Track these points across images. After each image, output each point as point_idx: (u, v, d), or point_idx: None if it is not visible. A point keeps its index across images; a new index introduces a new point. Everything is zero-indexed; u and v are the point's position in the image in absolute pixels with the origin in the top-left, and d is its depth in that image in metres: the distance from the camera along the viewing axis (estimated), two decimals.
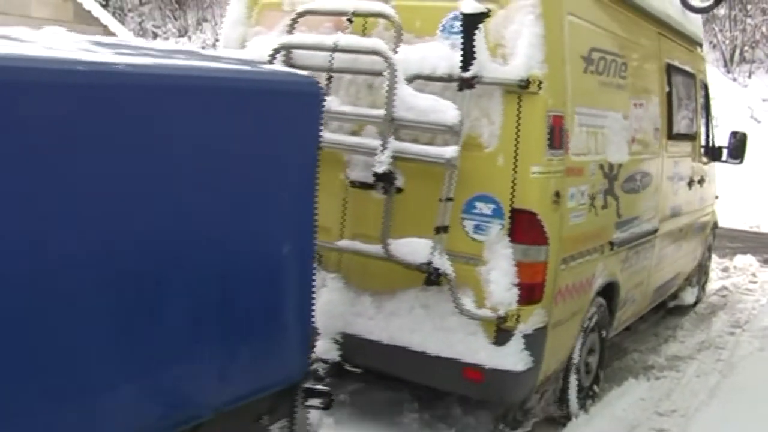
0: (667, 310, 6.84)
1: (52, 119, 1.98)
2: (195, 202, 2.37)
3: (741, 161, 6.80)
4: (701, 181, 6.44)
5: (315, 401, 3.02)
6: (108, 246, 2.13)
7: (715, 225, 7.48)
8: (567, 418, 4.32)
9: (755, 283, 8.43)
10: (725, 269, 8.88)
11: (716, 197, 7.28)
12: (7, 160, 1.87)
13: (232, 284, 2.55)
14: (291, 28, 3.87)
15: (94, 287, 2.12)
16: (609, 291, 4.56)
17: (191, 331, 2.45)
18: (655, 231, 5.25)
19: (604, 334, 4.63)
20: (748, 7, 18.75)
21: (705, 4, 5.83)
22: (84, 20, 15.63)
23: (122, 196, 2.16)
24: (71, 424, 2.12)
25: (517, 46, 3.55)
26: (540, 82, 3.52)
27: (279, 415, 2.92)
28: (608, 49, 4.28)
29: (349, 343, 3.89)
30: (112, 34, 15.95)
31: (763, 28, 18.53)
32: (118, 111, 2.13)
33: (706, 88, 6.66)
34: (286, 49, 3.78)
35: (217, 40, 23.78)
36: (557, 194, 3.68)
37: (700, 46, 6.58)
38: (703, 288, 7.44)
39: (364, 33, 3.86)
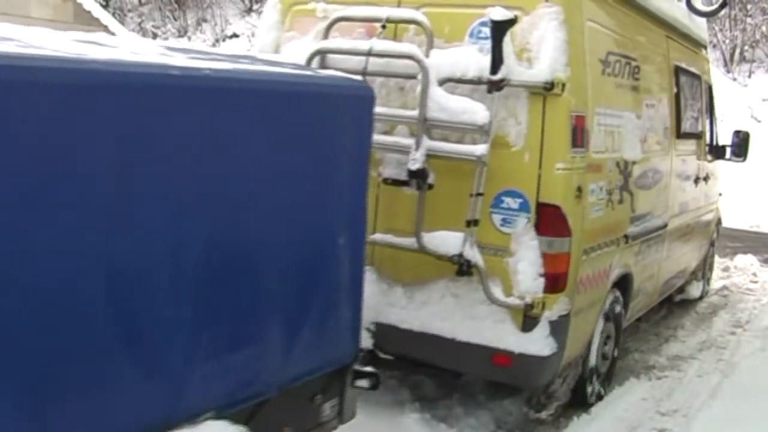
0: (669, 309, 7.02)
1: (153, 119, 2.23)
2: (273, 198, 2.63)
3: (744, 159, 7.08)
4: (706, 179, 6.72)
5: (363, 382, 3.28)
6: (201, 239, 2.40)
7: (719, 221, 7.78)
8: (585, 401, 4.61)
9: (756, 282, 8.51)
10: (726, 269, 8.94)
11: (720, 194, 7.57)
12: (126, 157, 2.14)
13: (299, 273, 2.81)
14: (326, 34, 4.13)
15: (193, 276, 2.38)
16: (623, 282, 4.83)
17: (265, 315, 2.70)
18: (665, 226, 5.53)
19: (619, 323, 4.90)
20: (748, 6, 18.84)
21: (710, 9, 6.11)
22: (84, 21, 15.80)
23: (208, 193, 2.42)
24: (169, 392, 2.38)
25: (541, 50, 3.81)
26: (563, 85, 3.78)
27: (331, 394, 3.19)
28: (623, 52, 4.55)
29: (382, 331, 4.12)
30: (112, 34, 16.16)
31: (763, 28, 18.62)
32: (206, 112, 2.39)
33: (710, 88, 6.95)
34: (323, 53, 4.03)
35: (217, 40, 23.99)
36: (579, 189, 3.95)
37: (705, 48, 6.87)
38: (707, 282, 7.73)
39: (395, 38, 4.12)
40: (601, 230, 4.31)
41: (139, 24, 23.81)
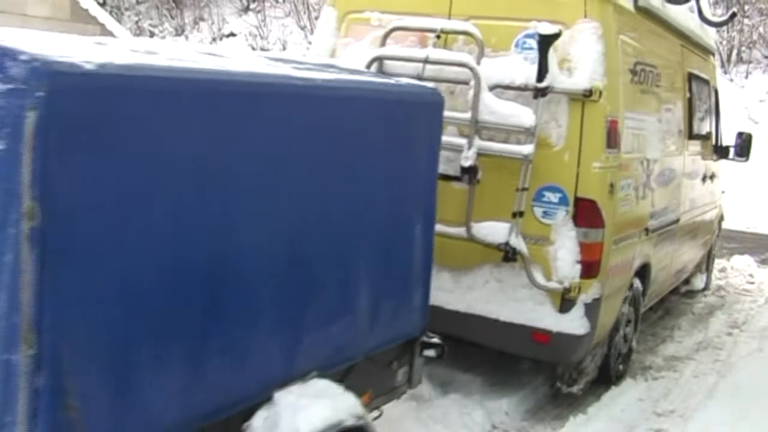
0: (666, 310, 7.21)
1: (285, 121, 2.69)
2: (368, 191, 3.09)
3: (747, 159, 7.63)
4: (712, 177, 7.27)
5: (430, 351, 3.75)
6: (317, 224, 2.86)
7: (722, 217, 8.34)
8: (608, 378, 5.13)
9: (752, 283, 8.67)
10: (723, 270, 9.04)
11: (723, 192, 8.12)
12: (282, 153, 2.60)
13: (387, 255, 3.28)
14: (383, 42, 4.59)
15: (310, 259, 2.85)
16: (643, 271, 5.35)
17: (357, 292, 3.16)
18: (678, 221, 6.05)
19: (638, 308, 5.42)
20: (746, 7, 18.95)
21: (720, 19, 6.65)
22: (81, 19, 16.01)
23: (322, 185, 2.87)
24: (288, 354, 2.86)
25: (581, 61, 4.31)
26: (601, 92, 4.28)
27: (403, 362, 3.66)
28: (647, 62, 5.07)
29: (431, 312, 4.59)
30: (109, 32, 16.41)
31: (761, 29, 18.76)
32: (320, 115, 2.84)
33: (716, 92, 7.50)
34: (381, 59, 4.50)
35: (213, 39, 24.36)
36: (612, 186, 4.46)
37: (713, 54, 7.42)
38: (710, 275, 8.28)
39: (444, 47, 4.60)
40: (628, 223, 4.82)
41: (136, 22, 24.16)
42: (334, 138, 2.94)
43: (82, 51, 2.20)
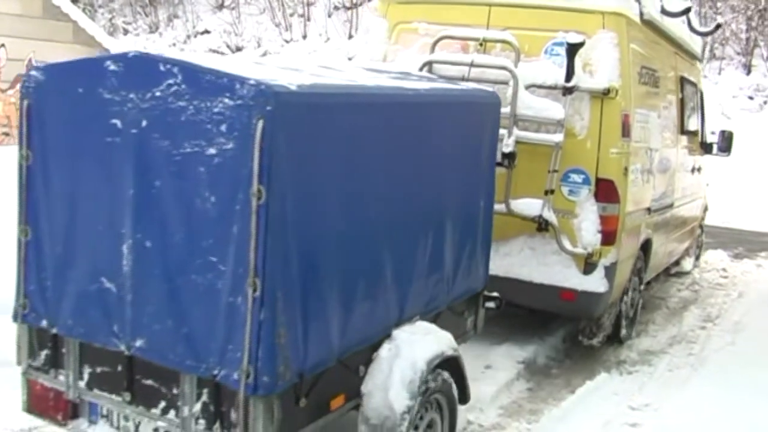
0: (640, 304, 7.86)
1: (409, 122, 3.77)
2: (453, 175, 4.18)
3: (729, 154, 8.98)
4: (699, 170, 8.57)
5: (491, 303, 4.87)
6: (423, 202, 3.95)
7: (706, 207, 9.67)
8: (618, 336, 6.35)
9: (726, 278, 9.31)
10: (696, 264, 9.57)
11: (707, 184, 9.45)
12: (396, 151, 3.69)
13: (463, 226, 4.37)
14: (433, 48, 5.75)
15: (417, 229, 3.91)
16: (646, 246, 6.58)
17: (444, 254, 4.20)
18: (672, 205, 7.32)
19: (641, 278, 6.66)
20: (719, 4, 20.33)
21: (707, 29, 7.97)
22: (53, 16, 16.55)
23: (425, 173, 3.92)
24: (402, 303, 3.86)
25: (600, 65, 5.52)
26: (617, 91, 5.50)
27: (471, 312, 4.77)
28: (650, 66, 6.32)
29: None
30: (82, 30, 17.17)
31: (733, 26, 20.01)
32: (426, 117, 3.93)
33: (701, 94, 8.82)
34: (432, 63, 5.66)
35: (188, 36, 25.30)
36: (626, 168, 5.68)
37: (700, 61, 8.74)
38: (697, 259, 9.60)
39: (484, 52, 5.77)
40: (637, 201, 6.05)
41: (110, 20, 24.98)
42: (433, 133, 3.98)
43: (261, 72, 3.08)
